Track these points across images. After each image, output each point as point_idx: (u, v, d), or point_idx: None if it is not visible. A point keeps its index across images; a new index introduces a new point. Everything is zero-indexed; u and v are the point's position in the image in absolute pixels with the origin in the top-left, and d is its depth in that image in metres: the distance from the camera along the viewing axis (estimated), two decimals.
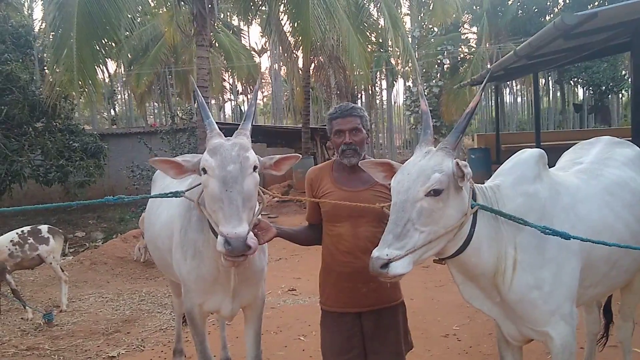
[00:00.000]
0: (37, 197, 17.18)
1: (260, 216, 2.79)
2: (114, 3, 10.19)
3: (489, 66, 16.61)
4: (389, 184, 2.43)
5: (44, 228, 6.78)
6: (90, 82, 11.76)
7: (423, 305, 5.99)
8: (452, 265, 2.57)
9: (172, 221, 3.28)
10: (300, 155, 3.03)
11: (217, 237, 2.50)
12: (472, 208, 2.41)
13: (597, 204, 2.86)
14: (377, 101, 41.89)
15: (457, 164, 2.30)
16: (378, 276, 2.23)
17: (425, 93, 25.29)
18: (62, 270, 6.81)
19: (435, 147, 2.46)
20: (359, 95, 29.89)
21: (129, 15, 11.90)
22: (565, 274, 2.59)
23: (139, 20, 26.85)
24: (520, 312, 2.60)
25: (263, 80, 40.09)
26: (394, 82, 40.65)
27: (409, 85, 28.12)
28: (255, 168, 2.61)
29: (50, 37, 12.03)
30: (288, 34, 15.76)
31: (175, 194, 2.90)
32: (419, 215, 2.26)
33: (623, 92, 30.45)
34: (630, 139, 5.57)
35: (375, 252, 2.23)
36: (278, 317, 5.97)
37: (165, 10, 20.65)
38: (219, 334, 4.63)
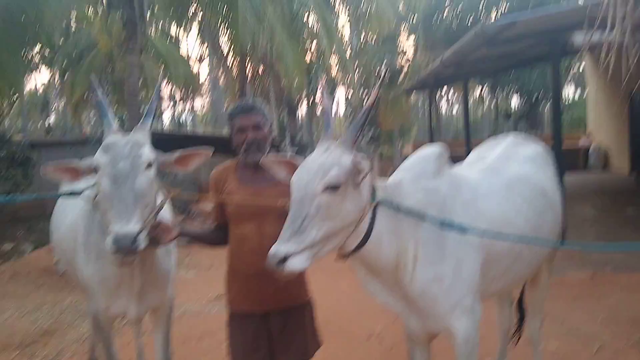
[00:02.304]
0: None
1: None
2: (37, 9, 9.90)
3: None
4: None
5: None
6: (14, 90, 11.40)
7: (348, 308, 6.01)
8: (353, 261, 2.57)
9: (77, 222, 3.18)
10: (211, 152, 2.92)
11: None
12: (371, 203, 2.42)
13: (498, 199, 2.93)
14: (318, 112, 41.96)
15: (353, 160, 2.31)
16: (274, 273, 2.21)
17: (364, 102, 25.52)
18: None
19: (334, 144, 2.46)
20: (299, 104, 29.92)
21: (64, 22, 11.61)
22: (465, 268, 2.64)
23: (73, 28, 26.20)
24: (422, 306, 2.63)
25: (202, 87, 39.57)
26: (334, 93, 40.90)
27: (348, 96, 28.33)
28: (149, 165, 2.55)
29: None
30: (223, 43, 15.67)
31: (72, 194, 2.82)
32: (317, 211, 2.25)
33: None
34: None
35: (273, 249, 2.21)
36: (202, 324, 5.87)
37: (98, 18, 20.19)
38: (135, 341, 4.50)
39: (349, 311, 5.89)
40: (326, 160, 2.35)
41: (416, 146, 19.28)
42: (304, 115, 33.11)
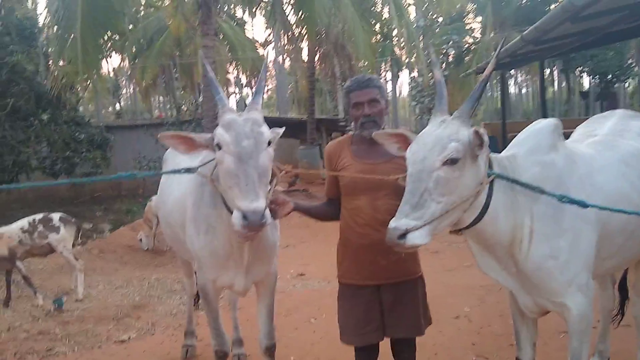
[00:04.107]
0: (43, 189, 17.19)
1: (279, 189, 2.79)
2: None
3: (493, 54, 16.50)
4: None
5: (55, 217, 6.72)
6: (95, 73, 11.79)
7: (432, 288, 5.86)
8: (468, 236, 2.56)
9: (185, 197, 3.28)
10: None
11: (230, 213, 2.50)
12: (488, 177, 2.39)
13: (613, 175, 2.83)
14: None
15: (477, 132, 2.28)
16: (395, 247, 2.23)
17: (431, 83, 25.17)
18: (77, 259, 6.78)
19: (450, 116, 2.44)
20: None
21: (134, 8, 11.92)
22: (581, 244, 2.57)
23: (142, 13, 26.80)
24: (537, 282, 2.59)
25: (267, 72, 39.76)
26: (399, 74, 40.58)
27: (414, 76, 27.95)
28: (269, 143, 2.60)
29: (54, 28, 12.00)
30: (293, 25, 15.70)
31: (189, 170, 2.88)
32: (436, 185, 2.24)
33: (629, 80, 30.33)
34: None
35: (393, 223, 2.22)
36: (288, 300, 5.98)
37: (169, 1, 20.56)
38: (231, 315, 4.62)
39: (433, 292, 5.74)
40: (443, 133, 2.32)
41: (485, 126, 18.88)
42: None
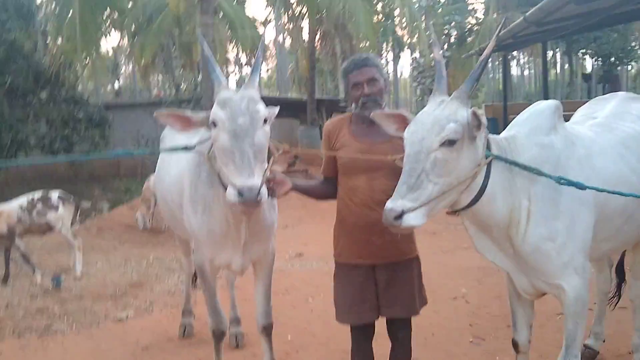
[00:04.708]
0: (42, 167, 17.11)
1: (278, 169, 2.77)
2: None
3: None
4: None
5: (54, 195, 6.71)
6: (94, 51, 11.74)
7: (430, 269, 5.92)
8: (465, 217, 2.54)
9: (182, 177, 3.27)
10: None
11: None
12: (486, 158, 2.37)
13: (613, 157, 2.82)
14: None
15: (474, 112, 2.26)
16: (391, 228, 2.22)
17: (432, 64, 25.03)
18: (75, 237, 6.78)
19: (449, 97, 2.41)
20: None
21: None
22: (579, 226, 2.56)
23: None
24: (534, 264, 2.58)
25: (267, 51, 39.56)
26: (400, 54, 40.37)
27: (415, 57, 27.79)
28: (265, 121, 2.58)
29: (53, 5, 11.92)
30: (293, 4, 15.55)
31: (186, 149, 2.87)
32: (433, 166, 2.23)
33: (632, 63, 30.16)
34: None
35: (389, 204, 2.21)
36: (286, 279, 6.00)
37: None
38: (228, 294, 4.63)
39: (431, 272, 5.79)
40: (442, 114, 2.30)
41: (487, 108, 18.81)
42: None
